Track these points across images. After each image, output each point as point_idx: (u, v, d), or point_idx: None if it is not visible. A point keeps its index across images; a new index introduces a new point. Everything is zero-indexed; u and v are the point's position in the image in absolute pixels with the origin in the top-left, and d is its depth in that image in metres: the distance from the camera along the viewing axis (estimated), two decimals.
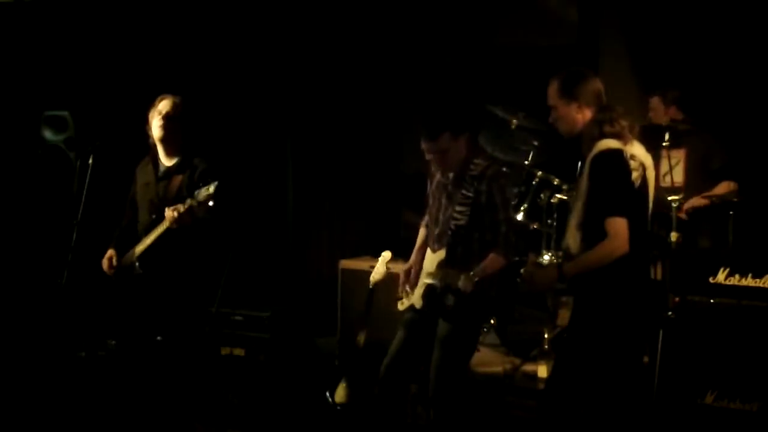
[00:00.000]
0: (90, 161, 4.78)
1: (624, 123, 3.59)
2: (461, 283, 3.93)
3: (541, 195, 5.58)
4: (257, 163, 6.71)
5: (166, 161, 4.71)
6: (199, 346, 4.71)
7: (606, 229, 3.49)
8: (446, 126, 4.05)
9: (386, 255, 4.90)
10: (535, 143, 5.65)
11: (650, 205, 3.71)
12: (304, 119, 6.84)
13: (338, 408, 4.83)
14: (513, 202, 4.31)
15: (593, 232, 3.54)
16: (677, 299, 4.39)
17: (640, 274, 3.71)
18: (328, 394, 4.88)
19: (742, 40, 5.78)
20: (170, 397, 4.62)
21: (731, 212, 5.17)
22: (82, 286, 4.96)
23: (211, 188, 4.31)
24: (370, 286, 4.87)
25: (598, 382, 3.66)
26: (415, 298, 4.30)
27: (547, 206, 5.56)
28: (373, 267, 4.93)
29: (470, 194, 4.08)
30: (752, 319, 4.16)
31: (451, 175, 4.18)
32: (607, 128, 3.58)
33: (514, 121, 5.57)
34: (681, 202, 5.13)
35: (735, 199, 5.19)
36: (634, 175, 3.56)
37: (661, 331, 4.24)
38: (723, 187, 5.39)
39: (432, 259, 4.24)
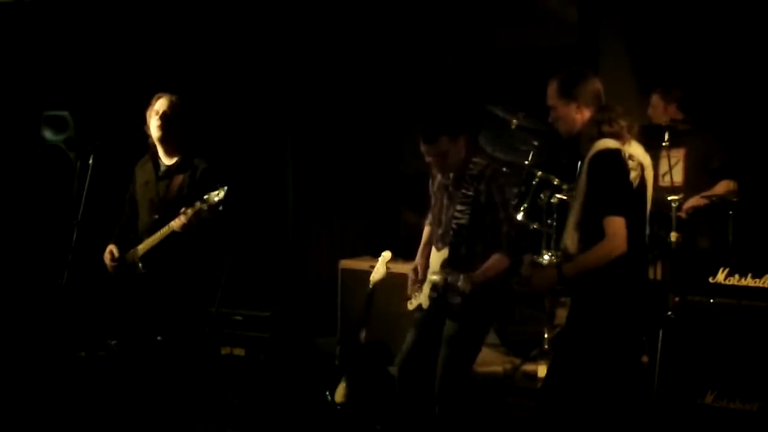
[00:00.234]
0: (90, 161, 4.78)
1: (623, 123, 3.60)
2: (461, 283, 3.95)
3: (541, 195, 5.58)
4: (257, 163, 6.71)
5: (166, 160, 4.71)
6: (199, 346, 4.71)
7: (604, 228, 3.49)
8: (444, 128, 4.07)
9: (386, 255, 4.90)
10: (535, 143, 5.65)
11: (648, 204, 3.71)
12: (304, 119, 6.84)
13: (338, 408, 4.83)
14: (513, 201, 4.31)
15: (591, 232, 3.54)
16: (677, 299, 4.39)
17: (638, 274, 3.71)
18: (328, 394, 4.88)
19: (742, 40, 5.78)
20: (170, 397, 4.62)
21: (731, 212, 5.17)
22: (83, 286, 4.96)
23: (222, 193, 4.32)
24: (370, 286, 4.87)
25: (595, 382, 3.66)
26: (423, 298, 4.32)
27: (547, 206, 5.56)
28: (373, 267, 4.93)
29: (470, 194, 4.10)
30: (752, 319, 4.16)
31: (451, 175, 4.19)
32: (605, 128, 3.58)
33: (514, 121, 5.57)
34: (681, 202, 5.13)
35: (735, 199, 5.19)
36: (633, 174, 3.56)
37: (661, 331, 4.24)
38: (723, 187, 5.39)
39: (437, 258, 4.25)
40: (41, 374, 5.05)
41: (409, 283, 4.44)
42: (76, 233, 4.73)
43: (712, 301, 4.28)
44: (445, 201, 4.24)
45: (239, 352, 5.55)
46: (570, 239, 3.64)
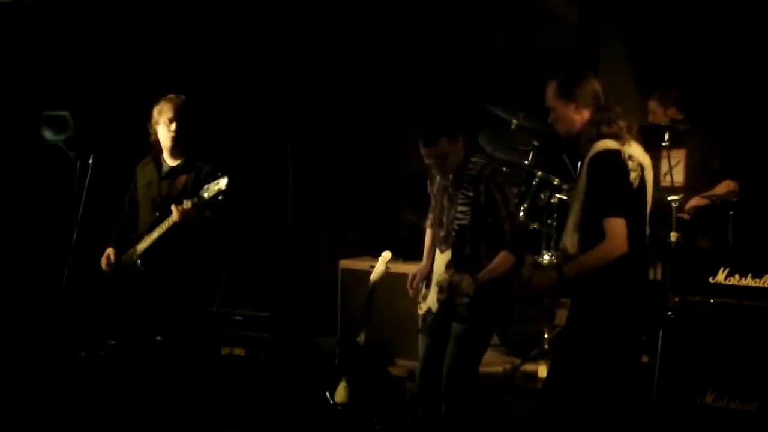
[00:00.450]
0: (90, 161, 4.78)
1: (622, 123, 3.59)
2: (465, 285, 3.96)
3: (541, 195, 5.58)
4: (257, 163, 6.70)
5: (170, 161, 4.70)
6: (199, 346, 4.71)
7: (604, 229, 3.49)
8: (443, 130, 4.06)
9: (386, 255, 4.90)
10: (535, 143, 5.65)
11: (648, 205, 3.71)
12: (304, 119, 6.84)
13: (338, 408, 4.83)
14: (514, 200, 4.31)
15: (591, 233, 3.54)
16: (677, 299, 4.39)
17: (638, 274, 3.70)
18: (328, 394, 4.88)
19: (742, 40, 5.78)
20: (170, 397, 4.62)
21: (731, 212, 5.17)
22: (82, 286, 4.96)
23: (222, 183, 4.31)
24: (370, 286, 4.87)
25: (595, 383, 3.66)
26: (431, 301, 4.31)
27: (547, 206, 5.56)
28: (373, 267, 4.94)
29: (470, 194, 4.09)
30: (752, 319, 4.16)
31: (450, 176, 4.19)
32: (605, 129, 3.58)
33: (514, 121, 5.57)
34: (681, 202, 5.13)
35: (735, 199, 5.19)
36: (632, 175, 3.56)
37: (661, 331, 4.24)
38: (723, 187, 5.39)
39: (441, 260, 4.26)
40: (41, 374, 5.05)
41: (412, 285, 4.43)
42: (76, 233, 4.73)
43: (712, 301, 4.28)
44: (445, 202, 4.24)
45: (239, 352, 5.55)
46: (570, 240, 3.64)
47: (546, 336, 5.51)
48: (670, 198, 5.06)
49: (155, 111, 4.63)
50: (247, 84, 6.73)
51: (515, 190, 5.45)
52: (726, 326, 4.18)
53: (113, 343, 5.30)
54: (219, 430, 4.91)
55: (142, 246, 4.64)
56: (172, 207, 4.42)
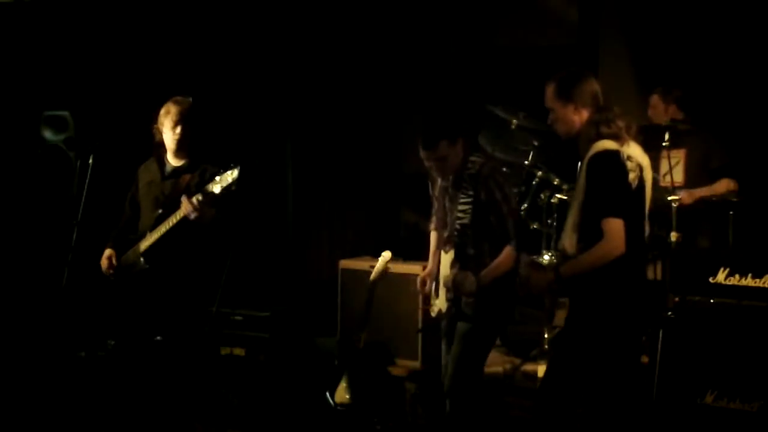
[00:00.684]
0: (90, 161, 4.78)
1: (621, 124, 3.60)
2: (467, 284, 3.99)
3: (541, 195, 5.58)
4: (257, 163, 6.69)
5: (173, 162, 4.69)
6: (199, 346, 4.71)
7: (603, 230, 3.49)
8: (442, 134, 4.08)
9: (386, 255, 4.90)
10: (535, 143, 5.65)
11: (647, 206, 3.71)
12: (304, 119, 6.84)
13: (338, 408, 4.83)
14: (514, 196, 4.33)
15: (590, 233, 3.54)
16: (677, 299, 4.39)
17: (637, 275, 3.70)
18: (328, 394, 4.88)
19: (742, 40, 5.78)
20: (170, 397, 4.62)
21: (731, 212, 5.17)
22: (82, 286, 4.96)
23: (236, 173, 4.30)
24: (370, 286, 4.87)
25: (595, 383, 3.66)
26: (441, 302, 4.32)
27: (547, 206, 5.56)
28: (373, 267, 4.93)
29: (470, 192, 4.11)
30: (752, 319, 4.16)
31: (450, 177, 4.21)
32: (603, 129, 3.58)
33: (514, 121, 5.57)
34: (681, 202, 5.13)
35: (735, 199, 5.18)
36: (631, 176, 3.56)
37: (661, 331, 4.24)
38: (723, 185, 5.38)
39: (446, 261, 4.28)
40: (41, 374, 5.05)
41: (424, 287, 4.44)
42: (76, 233, 4.73)
43: (712, 301, 4.28)
44: (447, 204, 4.26)
45: (239, 352, 5.55)
46: (568, 240, 3.64)
47: (546, 336, 5.51)
48: (670, 198, 5.06)
49: (161, 113, 4.61)
50: (247, 84, 6.73)
51: (515, 190, 5.45)
52: (726, 326, 4.18)
53: (113, 343, 5.30)
54: (219, 430, 4.91)
55: (145, 243, 4.62)
56: (182, 199, 4.41)
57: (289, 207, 6.89)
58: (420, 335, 5.52)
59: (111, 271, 4.72)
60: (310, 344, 5.95)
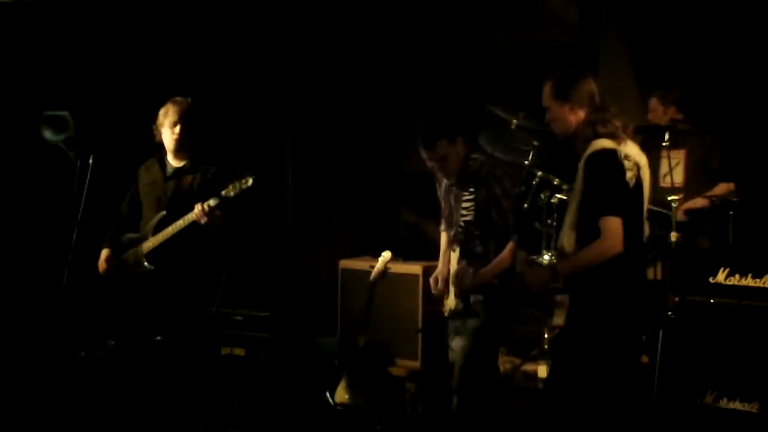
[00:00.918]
0: (90, 161, 4.78)
1: (617, 123, 3.60)
2: (466, 279, 4.02)
3: (541, 195, 5.56)
4: (257, 163, 6.69)
5: (174, 162, 4.69)
6: (199, 346, 4.71)
7: (601, 228, 3.49)
8: (441, 133, 4.11)
9: (386, 255, 4.90)
10: (535, 143, 5.64)
11: (646, 204, 3.71)
12: (304, 119, 6.84)
13: (338, 408, 4.83)
14: (515, 192, 4.36)
15: (588, 232, 3.54)
16: (677, 299, 4.39)
17: (636, 273, 3.71)
18: (328, 394, 4.88)
19: (742, 40, 5.78)
20: (170, 397, 4.62)
21: (731, 212, 5.16)
22: (82, 286, 4.96)
23: (250, 180, 4.30)
24: (370, 286, 4.87)
25: (595, 382, 3.66)
26: (451, 301, 4.34)
27: (547, 206, 5.54)
28: (373, 267, 4.94)
29: (472, 189, 4.15)
30: (752, 319, 4.16)
31: (454, 176, 4.22)
32: (600, 128, 3.59)
33: (514, 121, 5.55)
34: (681, 202, 5.13)
35: (735, 199, 5.19)
36: (629, 174, 3.56)
37: (661, 331, 4.24)
38: (722, 188, 5.38)
39: (455, 259, 4.31)
40: (41, 374, 5.05)
41: (437, 287, 4.45)
42: (76, 233, 4.73)
43: (712, 301, 4.28)
44: (452, 203, 4.30)
45: (239, 352, 5.55)
46: (567, 239, 3.65)
47: (546, 336, 5.51)
48: (670, 198, 5.06)
49: (161, 113, 4.61)
50: (247, 84, 6.73)
51: (515, 190, 5.45)
52: (726, 326, 4.18)
53: (113, 343, 5.30)
54: (219, 430, 4.91)
55: (148, 245, 4.62)
56: (197, 204, 4.40)
57: (289, 207, 6.89)
58: (420, 335, 5.52)
59: (109, 269, 4.71)
60: (310, 344, 5.95)
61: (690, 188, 5.38)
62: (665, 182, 5.30)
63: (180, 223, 4.48)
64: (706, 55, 5.88)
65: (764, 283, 4.18)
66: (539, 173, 5.56)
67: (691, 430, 4.14)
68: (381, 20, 6.82)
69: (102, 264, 4.73)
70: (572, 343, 3.70)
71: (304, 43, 6.73)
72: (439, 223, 4.56)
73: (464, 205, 4.19)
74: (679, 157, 5.46)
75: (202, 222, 4.40)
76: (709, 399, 4.11)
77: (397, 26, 6.88)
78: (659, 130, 5.18)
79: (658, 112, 5.54)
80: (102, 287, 4.88)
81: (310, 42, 6.74)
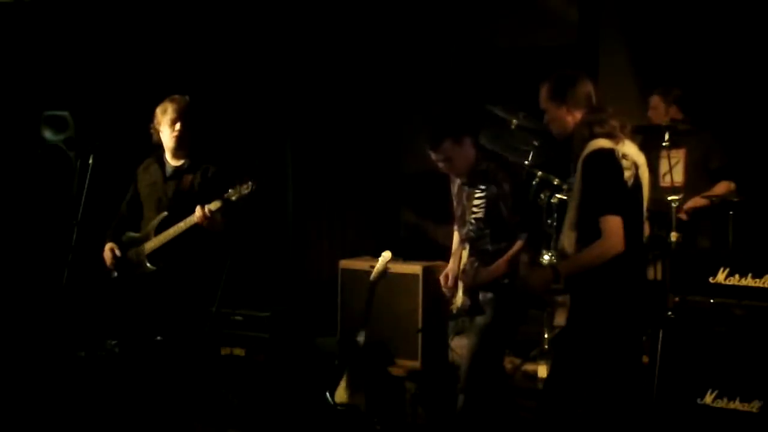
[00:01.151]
0: (90, 161, 4.78)
1: (615, 123, 3.61)
2: (471, 277, 4.03)
3: (541, 195, 5.58)
4: (257, 163, 6.69)
5: (173, 162, 4.68)
6: (199, 346, 4.71)
7: (601, 228, 3.49)
8: (446, 133, 4.13)
9: (386, 255, 4.90)
10: (535, 143, 5.65)
11: (645, 203, 3.72)
12: (304, 119, 6.84)
13: (338, 408, 4.83)
14: (524, 190, 4.41)
15: (588, 232, 3.54)
16: (677, 299, 4.39)
17: (636, 273, 3.71)
18: (328, 394, 4.88)
19: (742, 40, 5.78)
20: (170, 397, 4.62)
21: (731, 212, 5.17)
22: (82, 286, 4.96)
23: (252, 187, 4.30)
24: (370, 286, 4.87)
25: (595, 382, 3.66)
26: (459, 299, 4.35)
27: (547, 206, 5.55)
28: (373, 267, 4.93)
29: (482, 187, 4.18)
30: (752, 319, 4.16)
31: (465, 175, 4.28)
32: (597, 129, 3.60)
33: (514, 121, 5.57)
34: (681, 202, 5.13)
35: (735, 199, 5.19)
36: (627, 174, 3.57)
37: (661, 331, 4.24)
38: (722, 187, 5.39)
39: (465, 257, 4.33)
40: (41, 374, 5.05)
41: (447, 285, 4.45)
42: (76, 233, 4.72)
43: (712, 301, 4.28)
44: (464, 201, 4.32)
45: (239, 352, 5.55)
46: (567, 240, 3.65)
47: (546, 336, 5.51)
48: (670, 198, 5.06)
49: (158, 111, 4.60)
50: (247, 84, 6.73)
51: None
52: (726, 326, 4.18)
53: (113, 343, 5.30)
54: (219, 430, 4.91)
55: (150, 245, 4.61)
56: (197, 207, 4.40)
57: (289, 207, 6.89)
58: (420, 335, 5.52)
59: (113, 263, 4.68)
60: (310, 344, 5.95)
61: (690, 188, 5.38)
62: (665, 182, 5.31)
63: (181, 226, 4.48)
64: (706, 55, 5.89)
65: (764, 283, 4.18)
66: (539, 173, 5.58)
67: (691, 430, 4.13)
68: (381, 20, 6.82)
69: (108, 254, 4.69)
70: (573, 343, 3.70)
71: (304, 43, 6.73)
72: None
73: (475, 202, 4.24)
74: (678, 156, 5.47)
75: (204, 224, 4.40)
76: (708, 399, 4.11)
77: (396, 26, 6.88)
78: (659, 130, 5.18)
79: (660, 109, 5.54)
80: (102, 287, 4.87)
81: (310, 42, 6.74)
